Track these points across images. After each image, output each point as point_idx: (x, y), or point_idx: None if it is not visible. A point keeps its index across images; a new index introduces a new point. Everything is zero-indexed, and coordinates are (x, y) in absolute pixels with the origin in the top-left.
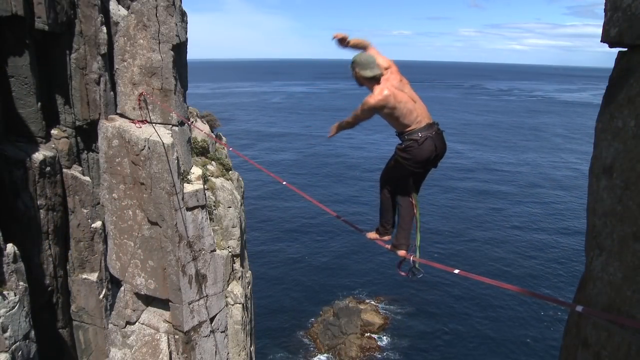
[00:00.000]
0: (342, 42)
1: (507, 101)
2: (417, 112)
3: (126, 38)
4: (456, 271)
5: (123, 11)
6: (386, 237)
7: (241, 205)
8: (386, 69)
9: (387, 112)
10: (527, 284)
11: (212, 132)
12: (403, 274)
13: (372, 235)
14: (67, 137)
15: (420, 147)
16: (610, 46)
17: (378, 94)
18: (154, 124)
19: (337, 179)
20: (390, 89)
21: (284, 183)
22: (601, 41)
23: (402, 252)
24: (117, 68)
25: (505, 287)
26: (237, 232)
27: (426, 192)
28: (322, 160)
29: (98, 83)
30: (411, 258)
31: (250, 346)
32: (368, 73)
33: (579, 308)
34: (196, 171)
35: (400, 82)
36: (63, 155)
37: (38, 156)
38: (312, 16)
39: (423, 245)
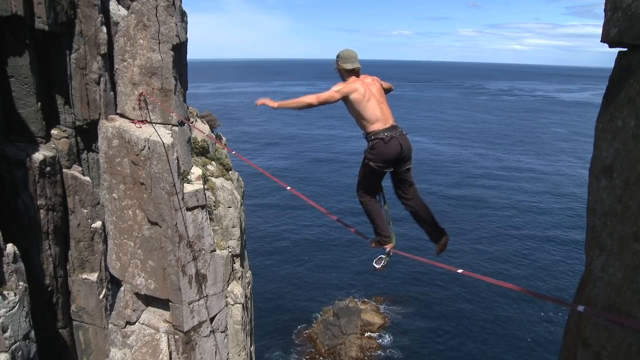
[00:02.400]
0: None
1: (508, 101)
2: (382, 112)
3: (126, 38)
4: (460, 270)
5: (123, 11)
6: (388, 246)
7: (241, 205)
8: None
9: (355, 99)
10: (527, 283)
11: (212, 132)
12: (378, 267)
13: (375, 246)
14: (67, 137)
15: (386, 145)
16: (610, 46)
17: (352, 82)
18: (154, 124)
19: (338, 180)
20: (362, 82)
21: (288, 188)
22: (601, 41)
23: (388, 247)
24: (117, 68)
25: (506, 287)
26: (237, 232)
27: (426, 193)
28: (323, 161)
29: (98, 83)
30: (387, 248)
31: (250, 346)
32: (349, 65)
33: (581, 308)
34: (196, 171)
35: (372, 84)
36: (63, 155)
37: (38, 156)
38: (312, 16)
39: (423, 244)
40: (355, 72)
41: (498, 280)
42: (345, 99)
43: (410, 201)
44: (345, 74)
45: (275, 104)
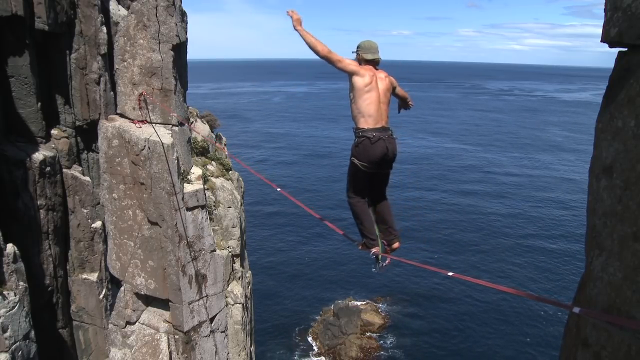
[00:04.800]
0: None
1: (508, 101)
2: (378, 110)
3: (126, 38)
4: (450, 274)
5: (123, 11)
6: (375, 250)
7: (241, 205)
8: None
9: (357, 84)
10: (527, 283)
11: (212, 132)
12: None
13: (362, 248)
14: (67, 137)
15: (372, 145)
16: (610, 46)
17: (365, 69)
18: (154, 124)
19: (338, 180)
20: (374, 73)
21: (278, 190)
22: (601, 41)
23: (375, 250)
24: (117, 68)
25: (501, 290)
26: (237, 232)
27: (426, 193)
28: (323, 161)
29: (98, 83)
30: (373, 250)
31: (250, 346)
32: (369, 56)
33: (576, 309)
34: (196, 171)
35: (383, 80)
36: (63, 155)
37: (38, 156)
38: (312, 16)
39: (417, 248)
40: (374, 63)
41: (491, 282)
42: (350, 77)
43: (379, 201)
44: (363, 64)
45: (298, 26)
